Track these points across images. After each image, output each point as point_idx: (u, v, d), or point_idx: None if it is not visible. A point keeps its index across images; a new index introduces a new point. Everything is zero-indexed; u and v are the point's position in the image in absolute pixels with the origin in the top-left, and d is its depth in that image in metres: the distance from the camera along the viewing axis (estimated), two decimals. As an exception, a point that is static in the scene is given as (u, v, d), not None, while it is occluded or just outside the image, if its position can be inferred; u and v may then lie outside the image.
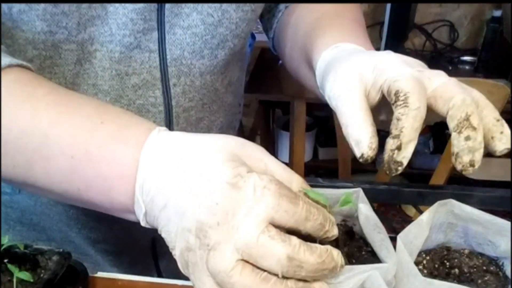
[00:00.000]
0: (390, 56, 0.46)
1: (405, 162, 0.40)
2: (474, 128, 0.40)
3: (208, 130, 0.72)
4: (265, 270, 0.37)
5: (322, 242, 0.39)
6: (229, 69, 0.69)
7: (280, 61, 1.14)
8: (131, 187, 0.42)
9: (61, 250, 0.55)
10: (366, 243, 0.48)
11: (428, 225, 0.45)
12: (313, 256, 0.37)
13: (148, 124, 0.45)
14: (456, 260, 0.49)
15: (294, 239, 0.37)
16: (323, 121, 2.25)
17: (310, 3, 0.68)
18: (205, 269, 0.38)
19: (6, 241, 0.52)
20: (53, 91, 0.47)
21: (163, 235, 0.42)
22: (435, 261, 0.49)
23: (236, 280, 0.37)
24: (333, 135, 1.24)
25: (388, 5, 1.83)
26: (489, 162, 1.89)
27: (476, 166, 0.40)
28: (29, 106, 0.44)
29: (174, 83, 0.63)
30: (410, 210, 2.09)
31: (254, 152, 0.42)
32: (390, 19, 1.82)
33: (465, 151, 0.40)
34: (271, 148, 2.03)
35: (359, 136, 0.41)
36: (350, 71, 0.46)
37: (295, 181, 0.42)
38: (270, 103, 1.98)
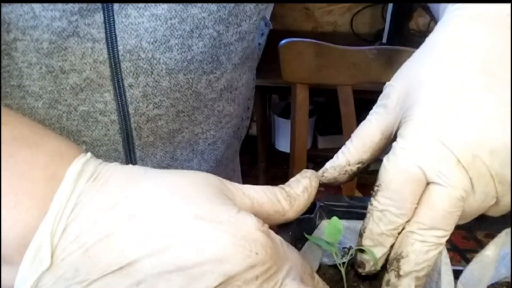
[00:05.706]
0: None
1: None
2: None
3: (191, 145, 0.56)
4: None
5: None
6: (219, 68, 0.52)
7: (282, 42, 1.02)
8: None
9: None
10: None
11: (494, 261, 0.33)
12: None
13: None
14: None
15: None
16: (323, 108, 2.12)
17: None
18: None
19: None
20: None
21: None
22: (494, 303, 0.37)
23: None
24: (333, 122, 1.11)
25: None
26: None
27: None
28: None
29: (130, 84, 0.48)
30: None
31: (234, 187, 0.35)
32: (394, -1, 1.72)
33: None
34: (268, 136, 1.91)
35: None
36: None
37: None
38: (267, 88, 1.86)
